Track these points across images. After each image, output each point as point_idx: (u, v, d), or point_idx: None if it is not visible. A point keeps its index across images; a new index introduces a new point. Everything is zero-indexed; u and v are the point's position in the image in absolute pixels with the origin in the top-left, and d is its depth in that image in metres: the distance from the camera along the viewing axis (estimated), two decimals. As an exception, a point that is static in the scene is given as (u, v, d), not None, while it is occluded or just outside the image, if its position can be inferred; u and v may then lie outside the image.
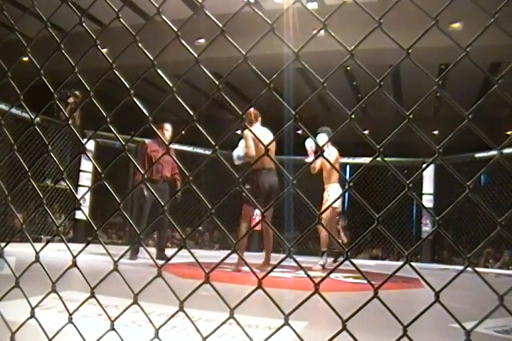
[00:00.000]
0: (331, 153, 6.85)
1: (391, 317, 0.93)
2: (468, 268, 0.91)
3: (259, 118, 5.89)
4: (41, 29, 1.38)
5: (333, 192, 6.67)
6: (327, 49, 6.97)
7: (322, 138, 6.39)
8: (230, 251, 1.08)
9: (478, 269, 0.93)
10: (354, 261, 1.00)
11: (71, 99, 8.80)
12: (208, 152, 9.32)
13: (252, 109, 5.87)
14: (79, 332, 1.22)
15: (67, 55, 1.31)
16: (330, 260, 7.00)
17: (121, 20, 1.25)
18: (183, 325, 2.07)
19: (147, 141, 7.25)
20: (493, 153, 0.92)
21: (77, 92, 8.93)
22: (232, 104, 1.13)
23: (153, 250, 6.81)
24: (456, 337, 0.95)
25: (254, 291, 1.01)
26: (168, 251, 6.84)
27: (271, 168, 5.64)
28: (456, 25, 10.15)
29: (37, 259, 1.32)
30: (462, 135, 1.02)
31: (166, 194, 6.69)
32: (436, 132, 15.65)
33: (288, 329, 0.99)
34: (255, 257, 6.39)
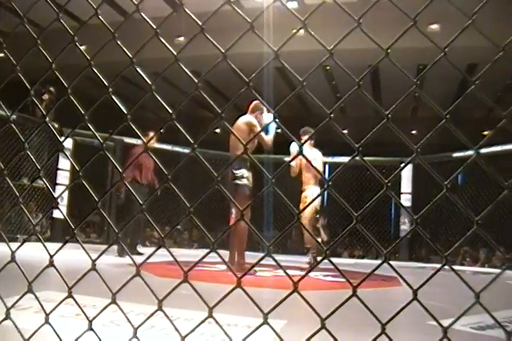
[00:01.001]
0: (317, 156, 6.83)
1: (370, 315, 0.93)
2: (446, 267, 0.92)
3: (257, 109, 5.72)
4: (17, 24, 1.36)
5: (314, 193, 6.64)
6: (307, 48, 6.99)
7: (295, 147, 6.30)
8: (208, 250, 1.07)
9: (455, 267, 0.94)
10: (333, 259, 1.01)
11: (46, 96, 8.69)
12: (186, 150, 9.30)
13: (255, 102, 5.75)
14: (56, 333, 1.20)
15: (44, 52, 1.29)
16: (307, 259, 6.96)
17: (100, 17, 1.24)
18: (162, 324, 2.06)
19: (139, 142, 7.39)
20: (470, 152, 0.93)
21: (51, 89, 8.82)
22: (211, 102, 1.12)
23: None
24: (434, 334, 0.96)
25: (233, 290, 1.01)
26: (147, 250, 6.81)
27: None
28: (435, 27, 10.28)
29: (13, 259, 1.30)
30: (440, 135, 1.03)
31: (146, 197, 6.74)
32: (414, 132, 15.81)
33: (267, 328, 0.99)
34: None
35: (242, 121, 5.57)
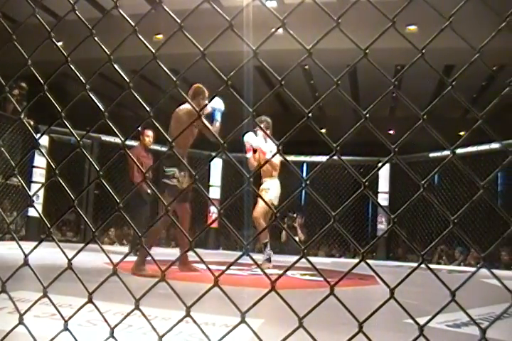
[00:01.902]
0: (273, 148, 6.04)
1: (347, 313, 0.94)
2: (422, 265, 0.93)
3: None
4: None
5: (271, 187, 6.20)
6: (286, 47, 7.00)
7: (250, 136, 5.99)
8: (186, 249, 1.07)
9: (431, 266, 0.95)
10: (311, 258, 1.01)
11: (16, 91, 8.57)
12: (164, 149, 9.25)
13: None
14: (30, 333, 1.18)
15: (19, 47, 1.27)
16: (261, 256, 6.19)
17: (77, 12, 1.22)
18: (139, 323, 2.05)
19: (136, 144, 7.26)
20: (447, 153, 0.94)
21: (23, 84, 8.71)
22: (189, 100, 1.12)
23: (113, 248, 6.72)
24: (411, 332, 0.97)
25: (210, 289, 1.01)
26: (124, 249, 6.76)
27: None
28: (413, 28, 10.39)
29: (-14, 258, 1.27)
30: (417, 135, 1.04)
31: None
32: (392, 132, 15.96)
33: (245, 327, 0.99)
34: (212, 255, 6.37)
35: (181, 110, 4.90)
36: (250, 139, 6.05)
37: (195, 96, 4.94)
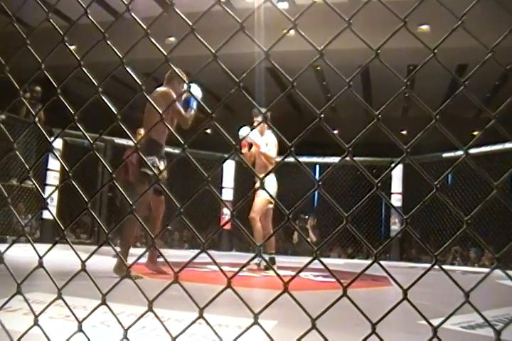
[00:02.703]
0: (269, 141, 6.06)
1: (360, 315, 0.94)
2: (436, 266, 0.93)
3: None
4: (6, 24, 1.35)
5: (268, 184, 5.76)
6: (297, 49, 7.00)
7: (245, 131, 5.57)
8: (199, 251, 1.07)
9: (445, 267, 0.95)
10: (323, 260, 1.01)
11: (28, 95, 8.64)
12: (177, 151, 9.28)
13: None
14: (45, 335, 1.19)
15: (33, 51, 1.28)
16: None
17: (90, 16, 1.23)
18: (153, 325, 2.05)
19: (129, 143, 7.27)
20: (460, 153, 0.93)
21: (37, 88, 8.78)
22: (201, 102, 1.12)
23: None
24: (424, 333, 0.96)
25: (223, 291, 1.01)
26: (137, 251, 6.78)
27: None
28: (425, 28, 10.33)
29: (1, 260, 1.29)
30: (430, 135, 1.04)
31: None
32: (404, 132, 15.88)
33: (258, 329, 0.99)
34: (225, 256, 6.37)
35: (155, 92, 4.58)
36: (246, 134, 5.71)
37: (170, 80, 4.73)
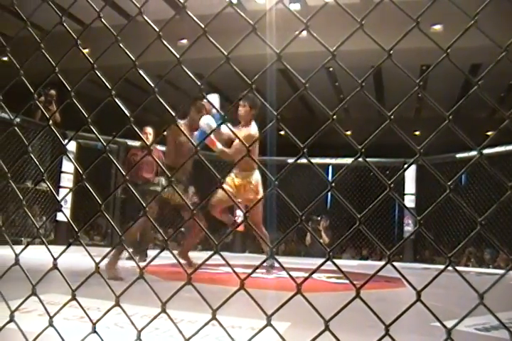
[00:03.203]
0: (251, 128, 5.23)
1: (373, 316, 0.93)
2: (450, 267, 0.92)
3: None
4: (21, 28, 1.37)
5: (258, 181, 5.38)
6: (309, 50, 7.00)
7: (206, 121, 4.73)
8: (212, 252, 1.07)
9: (459, 268, 0.94)
10: (336, 261, 1.01)
11: (42, 98, 8.70)
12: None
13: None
14: (60, 335, 1.20)
15: (47, 55, 1.29)
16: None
17: (103, 20, 1.24)
18: (166, 326, 2.06)
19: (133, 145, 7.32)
20: (474, 153, 0.93)
21: (52, 91, 8.84)
22: (213, 104, 1.13)
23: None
24: (438, 335, 0.96)
25: (236, 292, 1.01)
26: (151, 253, 6.80)
27: None
28: (437, 28, 10.27)
29: (17, 262, 1.30)
30: (443, 135, 1.03)
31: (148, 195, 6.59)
32: (417, 133, 15.80)
33: (271, 330, 0.98)
34: (238, 258, 6.37)
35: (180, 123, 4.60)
36: (209, 121, 4.72)
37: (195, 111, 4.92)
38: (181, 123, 4.82)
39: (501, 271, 0.94)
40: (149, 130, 7.01)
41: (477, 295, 0.90)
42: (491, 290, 0.91)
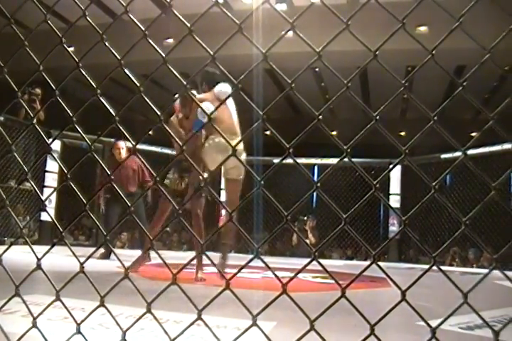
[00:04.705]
0: (230, 105, 4.95)
1: (359, 316, 0.94)
2: (434, 267, 0.93)
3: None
4: (4, 26, 1.35)
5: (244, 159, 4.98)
6: (296, 50, 7.00)
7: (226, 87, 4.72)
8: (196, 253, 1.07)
9: (444, 268, 0.95)
10: (322, 261, 1.01)
11: (25, 97, 8.61)
12: (175, 152, 9.25)
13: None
14: (43, 337, 1.19)
15: (31, 53, 1.28)
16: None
17: (88, 18, 1.23)
18: (151, 326, 2.05)
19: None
20: (458, 154, 0.93)
21: (37, 90, 8.75)
22: (199, 104, 1.12)
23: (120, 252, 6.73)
24: (423, 334, 0.97)
25: (221, 292, 1.01)
26: (135, 252, 6.77)
27: None
28: (423, 29, 10.34)
29: None
30: (428, 136, 1.04)
31: (138, 204, 6.31)
32: (403, 133, 15.89)
33: (257, 330, 0.98)
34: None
35: None
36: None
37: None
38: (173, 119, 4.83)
39: (485, 271, 0.95)
40: (122, 144, 6.73)
41: (461, 295, 0.90)
42: (475, 290, 0.91)
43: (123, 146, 6.69)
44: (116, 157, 6.71)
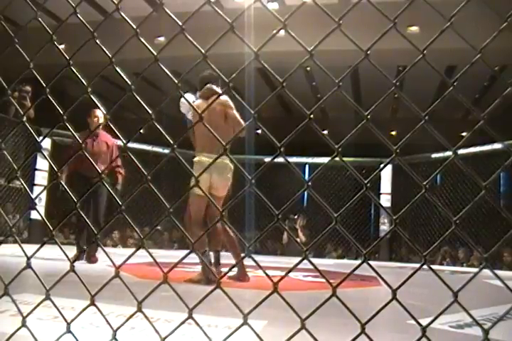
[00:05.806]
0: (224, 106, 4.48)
1: (349, 315, 0.94)
2: (425, 266, 0.93)
3: None
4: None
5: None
6: (287, 49, 6.99)
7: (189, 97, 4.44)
8: (188, 251, 1.07)
9: (434, 267, 0.95)
10: (313, 260, 1.01)
11: (16, 94, 8.54)
12: (166, 151, 9.25)
13: None
14: (33, 336, 1.19)
15: (21, 50, 1.27)
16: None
17: (79, 15, 1.22)
18: (142, 325, 2.05)
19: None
20: (449, 153, 0.94)
21: (27, 87, 8.68)
22: (190, 103, 1.12)
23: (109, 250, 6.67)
24: (413, 333, 0.97)
25: (212, 291, 1.01)
26: (127, 251, 6.74)
27: None
28: (414, 29, 10.38)
29: (-11, 261, 1.28)
30: (419, 136, 1.04)
31: (103, 189, 5.86)
32: (394, 133, 15.94)
33: (247, 329, 0.98)
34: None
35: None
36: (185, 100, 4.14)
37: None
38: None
39: (475, 270, 0.95)
40: (99, 113, 6.00)
41: (451, 294, 0.91)
42: (465, 289, 0.92)
43: (100, 115, 6.03)
44: (91, 126, 6.02)
